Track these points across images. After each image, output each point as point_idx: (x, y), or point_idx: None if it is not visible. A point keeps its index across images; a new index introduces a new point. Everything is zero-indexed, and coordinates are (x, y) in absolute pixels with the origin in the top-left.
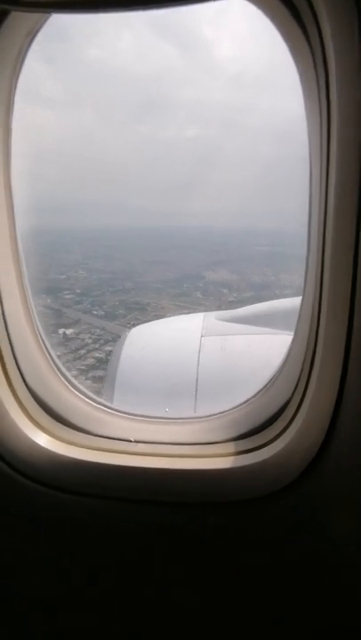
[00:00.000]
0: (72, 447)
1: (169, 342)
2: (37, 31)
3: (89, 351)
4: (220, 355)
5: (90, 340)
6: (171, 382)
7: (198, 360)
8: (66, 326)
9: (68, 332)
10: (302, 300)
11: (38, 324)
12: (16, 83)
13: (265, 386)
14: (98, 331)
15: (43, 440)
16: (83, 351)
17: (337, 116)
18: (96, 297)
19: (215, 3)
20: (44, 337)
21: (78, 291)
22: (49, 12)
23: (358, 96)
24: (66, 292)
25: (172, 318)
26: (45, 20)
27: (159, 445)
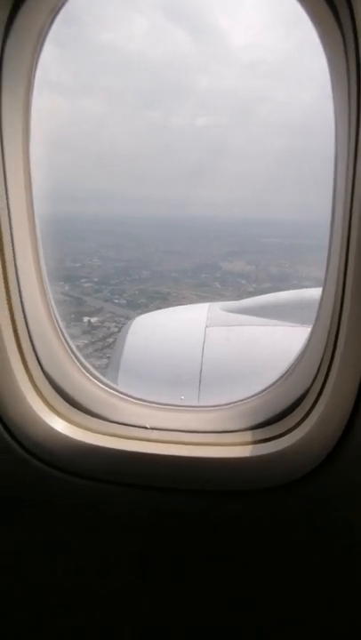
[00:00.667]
0: (88, 433)
1: (173, 332)
2: (60, 9)
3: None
4: (224, 345)
5: (116, 329)
6: (174, 372)
7: (203, 350)
8: (89, 314)
9: (93, 320)
10: (323, 288)
11: (55, 310)
12: (37, 63)
13: (284, 374)
14: (122, 319)
15: (59, 425)
16: (110, 339)
17: None
18: (115, 285)
19: None
20: (60, 323)
21: (96, 279)
22: None
23: None
24: (83, 280)
25: (176, 308)
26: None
27: (175, 433)
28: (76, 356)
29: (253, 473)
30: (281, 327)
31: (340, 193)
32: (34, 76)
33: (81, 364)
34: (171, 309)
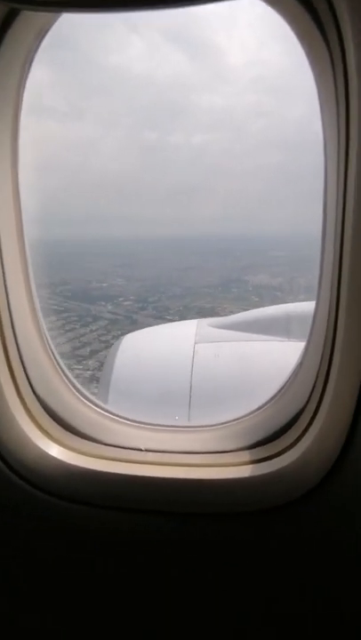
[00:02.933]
0: (82, 456)
1: (163, 350)
2: (46, 32)
3: None
4: (213, 362)
5: None
6: (164, 390)
7: (192, 367)
8: None
9: None
10: (316, 305)
11: (46, 331)
12: (24, 85)
13: (279, 391)
14: None
15: (52, 449)
16: None
17: (357, 121)
18: (155, 302)
19: (228, 4)
20: (51, 344)
21: (132, 297)
22: (61, 12)
23: None
24: (120, 299)
25: (165, 325)
26: (55, 21)
27: (170, 454)
28: (68, 378)
29: (250, 494)
30: (270, 342)
31: (331, 209)
32: (22, 99)
33: (73, 385)
34: (159, 327)
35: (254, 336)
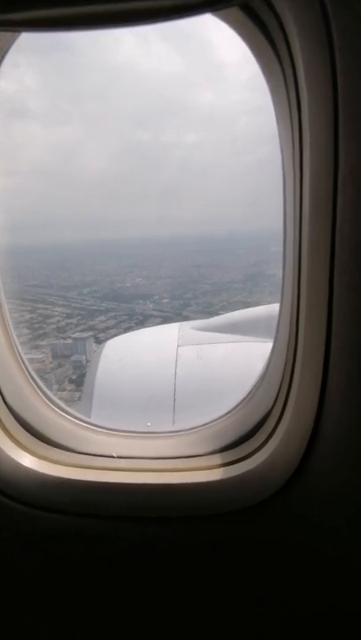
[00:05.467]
0: (54, 465)
1: (146, 354)
2: (6, 51)
3: None
4: (197, 364)
5: None
6: (148, 394)
7: (175, 371)
8: None
9: None
10: (280, 308)
11: (16, 340)
12: None
13: (247, 396)
14: None
15: (24, 459)
16: None
17: (309, 131)
18: (190, 299)
19: None
20: (22, 354)
21: (166, 295)
22: (21, 31)
23: (329, 109)
24: (156, 297)
25: (147, 329)
26: (14, 40)
27: (142, 460)
28: (40, 387)
29: (221, 497)
30: (253, 343)
31: (290, 211)
32: None
33: (44, 394)
34: (141, 331)
35: (238, 337)
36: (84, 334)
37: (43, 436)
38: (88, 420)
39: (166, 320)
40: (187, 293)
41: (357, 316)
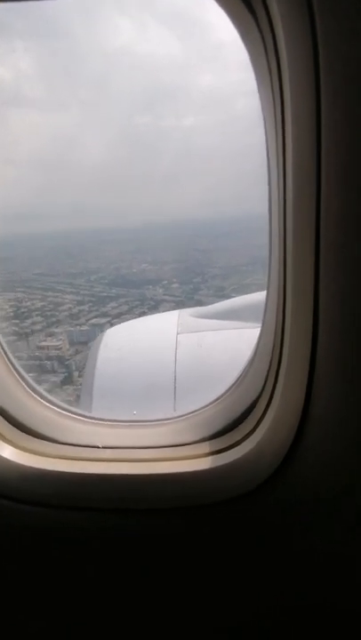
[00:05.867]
0: (38, 457)
1: (145, 342)
2: None
3: None
4: (197, 351)
5: None
6: (149, 382)
7: (175, 358)
8: None
9: None
10: (267, 293)
11: None
12: None
13: (235, 382)
14: None
15: (6, 451)
16: None
17: (290, 108)
18: (200, 283)
19: None
20: (2, 342)
21: (175, 280)
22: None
23: (311, 79)
24: (165, 282)
25: (146, 317)
26: None
27: (128, 450)
28: (21, 376)
29: (209, 486)
30: (253, 330)
31: (274, 189)
32: None
33: (27, 383)
34: (140, 319)
35: (237, 324)
36: (102, 320)
37: (24, 427)
38: (72, 409)
39: (179, 305)
40: (196, 277)
41: (345, 296)
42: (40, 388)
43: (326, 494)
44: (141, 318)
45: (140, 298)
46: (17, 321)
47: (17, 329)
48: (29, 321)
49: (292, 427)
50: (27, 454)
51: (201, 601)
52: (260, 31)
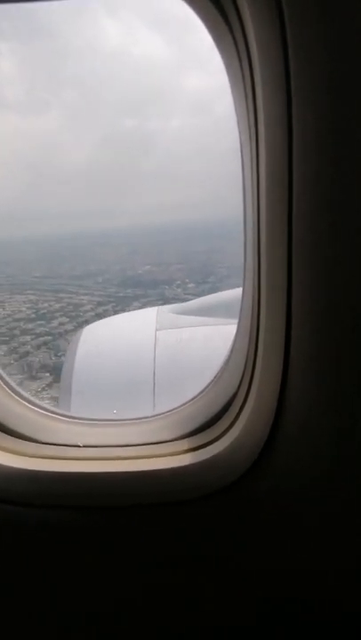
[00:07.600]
0: (18, 457)
1: (124, 339)
2: None
3: None
4: (176, 348)
5: None
6: (128, 378)
7: (155, 354)
8: None
9: None
10: (243, 291)
11: None
12: None
13: (213, 380)
14: None
15: None
16: None
17: (263, 111)
18: (214, 283)
19: None
20: None
21: (188, 280)
22: None
23: (282, 83)
24: (178, 282)
25: (125, 314)
26: None
27: (108, 449)
28: (1, 377)
29: (189, 482)
30: (231, 325)
31: (248, 190)
32: None
33: (6, 383)
34: (118, 316)
35: (215, 320)
36: None
37: (5, 427)
38: (51, 408)
39: None
40: (208, 277)
41: (315, 292)
42: (21, 389)
43: (306, 483)
44: (120, 315)
45: (160, 298)
46: (42, 322)
47: (46, 329)
48: (56, 322)
49: (268, 419)
50: (8, 454)
51: (185, 598)
52: (233, 36)
